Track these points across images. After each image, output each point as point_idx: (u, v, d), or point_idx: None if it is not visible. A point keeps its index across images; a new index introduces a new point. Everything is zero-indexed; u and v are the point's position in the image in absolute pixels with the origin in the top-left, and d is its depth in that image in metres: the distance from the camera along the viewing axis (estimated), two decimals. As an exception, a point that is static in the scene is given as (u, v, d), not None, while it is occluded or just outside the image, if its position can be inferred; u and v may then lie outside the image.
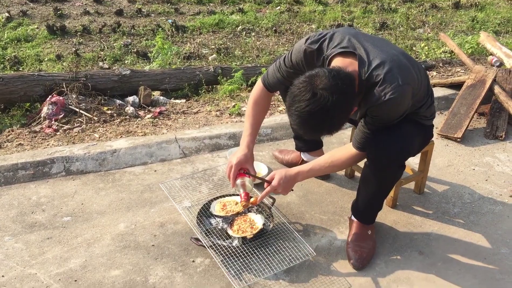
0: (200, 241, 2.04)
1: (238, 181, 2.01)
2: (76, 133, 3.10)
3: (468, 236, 2.27)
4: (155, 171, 2.66)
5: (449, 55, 4.68)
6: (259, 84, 2.17)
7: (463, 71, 4.22)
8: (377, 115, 1.84)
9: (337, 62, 1.79)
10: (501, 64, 4.17)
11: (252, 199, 2.02)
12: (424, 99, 1.99)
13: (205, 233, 2.09)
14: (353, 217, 2.19)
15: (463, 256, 2.15)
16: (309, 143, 2.57)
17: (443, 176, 2.74)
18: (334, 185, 2.60)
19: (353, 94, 1.67)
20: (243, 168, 2.03)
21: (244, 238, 2.04)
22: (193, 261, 2.05)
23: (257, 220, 2.12)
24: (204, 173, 2.63)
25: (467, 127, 3.12)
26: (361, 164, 2.12)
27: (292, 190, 2.01)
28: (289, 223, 2.26)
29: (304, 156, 2.63)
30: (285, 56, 2.05)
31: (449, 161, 2.90)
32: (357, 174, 2.67)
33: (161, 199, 2.43)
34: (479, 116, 3.44)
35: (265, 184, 1.99)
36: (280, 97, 3.49)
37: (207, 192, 2.46)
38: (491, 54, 4.45)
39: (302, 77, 1.66)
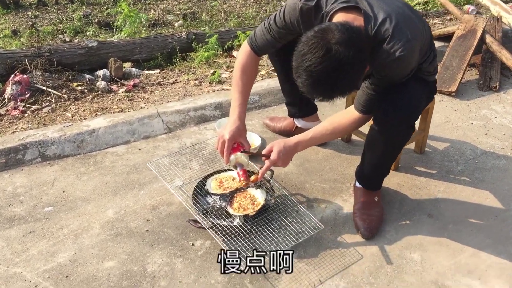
0: (199, 223, 1.91)
1: (233, 157, 1.87)
2: (46, 114, 2.88)
3: (475, 194, 2.21)
4: (140, 149, 2.49)
5: (423, 6, 4.55)
6: (245, 49, 2.00)
7: (440, 22, 4.11)
8: (385, 75, 1.70)
9: (339, 18, 1.62)
10: (478, 12, 4.08)
11: (252, 177, 1.89)
12: (427, 53, 1.86)
13: (203, 214, 1.95)
14: (358, 184, 2.09)
15: (473, 216, 2.08)
16: (303, 108, 2.44)
17: (442, 133, 2.66)
18: (331, 151, 2.49)
19: (367, 50, 1.53)
20: (236, 142, 1.89)
21: (245, 216, 1.92)
22: (192, 245, 1.92)
23: (258, 196, 2.00)
24: (193, 148, 2.47)
25: (460, 80, 3.03)
26: (362, 128, 2.00)
27: (291, 160, 1.90)
28: (291, 195, 2.14)
29: (298, 122, 2.49)
30: (275, 16, 1.88)
31: (446, 117, 2.81)
32: (354, 138, 2.57)
33: (150, 179, 2.27)
34: (470, 67, 3.36)
35: (263, 158, 1.86)
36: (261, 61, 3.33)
37: (198, 168, 2.31)
38: (466, 4, 4.35)
39: (310, 33, 1.50)
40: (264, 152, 1.86)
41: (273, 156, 1.80)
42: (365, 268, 1.84)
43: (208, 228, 1.87)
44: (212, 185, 2.06)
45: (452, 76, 3.04)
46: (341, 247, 1.92)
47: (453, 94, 2.99)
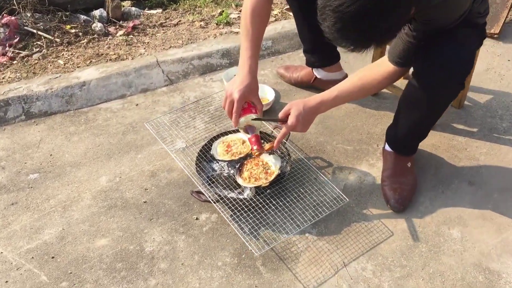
0: (203, 195, 1.66)
1: (243, 120, 1.58)
2: (36, 61, 2.58)
3: (524, 158, 1.92)
4: (137, 105, 2.21)
5: None
6: None
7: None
8: (431, 18, 1.37)
9: None
10: None
11: (266, 145, 1.62)
12: (478, -11, 1.51)
13: (208, 184, 1.70)
14: (388, 147, 1.81)
15: (522, 184, 1.81)
16: (324, 57, 2.11)
17: (483, 83, 2.33)
18: (355, 106, 2.19)
19: None
20: (247, 102, 1.60)
21: (257, 187, 1.66)
22: (196, 219, 1.69)
23: (272, 163, 1.73)
24: (197, 104, 2.18)
25: (505, 20, 2.64)
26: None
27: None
28: (309, 160, 1.87)
29: (317, 72, 2.18)
30: None
31: (488, 63, 2.46)
32: (382, 91, 2.25)
33: (149, 140, 2.01)
34: (514, 4, 2.94)
35: (280, 123, 1.58)
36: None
37: (203, 127, 2.04)
38: None
39: None
40: (280, 115, 1.57)
41: (291, 120, 1.51)
42: (396, 248, 1.60)
43: (214, 202, 1.62)
44: (218, 150, 1.79)
45: (495, 15, 2.65)
46: (368, 222, 1.68)
47: (495, 36, 2.62)
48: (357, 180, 1.83)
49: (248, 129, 1.60)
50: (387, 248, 1.60)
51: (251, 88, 1.57)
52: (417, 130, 1.69)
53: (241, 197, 1.66)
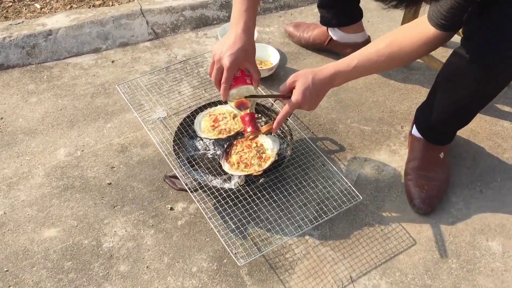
0: (179, 180, 1.33)
1: (234, 92, 1.23)
2: (10, 3, 2.23)
3: None
4: (113, 62, 1.85)
5: None
6: None
7: None
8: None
9: None
10: None
11: (264, 127, 1.27)
12: None
13: (186, 167, 1.36)
14: (416, 132, 1.45)
15: None
16: (343, 12, 1.72)
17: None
18: (376, 76, 1.82)
19: None
20: (240, 69, 1.24)
21: (248, 176, 1.33)
22: (171, 209, 1.37)
23: (268, 145, 1.38)
24: (186, 64, 1.82)
25: None
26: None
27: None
28: (315, 142, 1.53)
29: (333, 33, 1.79)
30: None
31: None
32: (412, 58, 1.87)
33: (122, 107, 1.67)
34: None
35: (282, 99, 1.24)
36: None
37: (190, 93, 1.68)
38: None
39: None
40: (282, 88, 1.22)
41: (296, 96, 1.17)
42: (419, 261, 1.27)
43: (191, 191, 1.29)
44: (202, 125, 1.45)
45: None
46: (384, 226, 1.34)
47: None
48: (374, 171, 1.49)
49: (240, 104, 1.25)
50: (408, 261, 1.27)
51: (246, 52, 1.21)
52: (458, 115, 1.32)
53: (226, 186, 1.33)
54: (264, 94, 1.28)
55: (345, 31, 1.75)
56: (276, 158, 1.33)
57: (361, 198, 1.31)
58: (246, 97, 1.22)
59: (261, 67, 1.73)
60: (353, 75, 1.22)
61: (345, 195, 1.33)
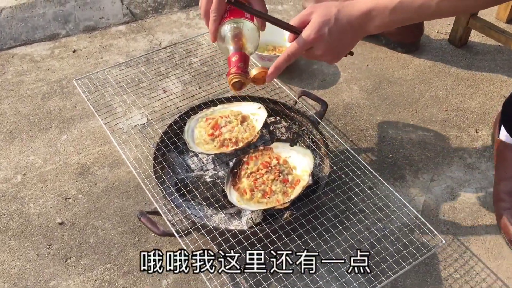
0: (163, 219, 0.89)
1: (226, 28, 0.82)
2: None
3: None
4: (75, 51, 1.43)
5: None
6: None
7: None
8: None
9: None
10: None
11: (254, 71, 0.81)
12: None
13: (174, 197, 0.94)
14: (508, 138, 1.03)
15: None
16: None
17: None
18: (431, 63, 1.40)
19: None
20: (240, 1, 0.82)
21: (267, 210, 0.90)
22: (148, 270, 0.94)
23: (296, 161, 0.95)
24: (173, 52, 1.39)
25: None
26: None
27: (351, 54, 0.84)
28: (358, 154, 1.10)
29: None
30: None
31: None
32: (475, 40, 1.46)
33: (86, 110, 1.25)
34: None
35: (289, 37, 0.83)
36: None
37: (179, 90, 1.26)
38: None
39: None
40: (293, 22, 0.82)
41: (309, 31, 0.78)
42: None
43: (180, 235, 0.86)
44: (197, 133, 1.02)
45: None
46: (476, 281, 0.92)
47: None
48: (447, 195, 1.06)
49: (233, 42, 0.82)
50: None
51: None
52: None
53: (234, 226, 0.90)
54: (260, 12, 0.83)
55: None
56: (310, 182, 0.90)
57: (444, 242, 0.88)
58: (229, 2, 0.79)
59: (275, 53, 1.32)
60: (398, 17, 0.78)
61: (412, 232, 0.91)
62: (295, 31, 0.81)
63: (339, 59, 0.85)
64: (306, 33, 0.78)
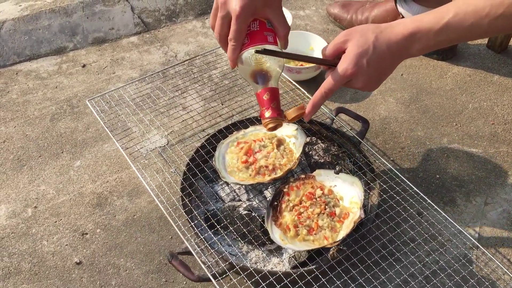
0: (197, 260, 0.80)
1: (247, 56, 0.75)
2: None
3: None
4: (84, 66, 1.33)
5: None
6: None
7: None
8: None
9: None
10: None
11: (291, 111, 0.75)
12: None
13: (204, 231, 0.84)
14: None
15: None
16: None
17: None
18: (471, 71, 1.30)
19: None
20: (257, 20, 0.76)
21: (314, 252, 0.80)
22: (182, 307, 0.84)
23: (343, 189, 0.86)
24: (191, 65, 1.30)
25: None
26: None
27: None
28: (402, 174, 1.01)
29: (407, 8, 1.28)
30: None
31: None
32: (517, 44, 1.37)
33: (99, 132, 1.15)
34: None
35: (324, 67, 0.78)
36: None
37: (201, 106, 1.17)
38: None
39: None
40: (326, 52, 0.75)
41: (346, 64, 0.73)
42: None
43: (215, 277, 0.76)
44: (228, 159, 0.93)
45: None
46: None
47: None
48: (505, 220, 0.97)
49: (258, 74, 0.74)
50: None
51: None
52: None
53: (273, 265, 0.80)
54: (292, 53, 0.77)
55: (426, 4, 1.23)
56: (362, 216, 0.80)
57: (479, 245, 0.79)
58: (257, 51, 0.71)
59: (301, 65, 1.23)
60: (445, 38, 0.71)
61: (471, 263, 0.81)
62: (331, 64, 0.75)
63: (379, 85, 0.77)
64: (343, 67, 0.72)
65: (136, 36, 1.42)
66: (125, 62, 1.33)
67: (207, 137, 1.00)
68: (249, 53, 0.75)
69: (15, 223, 0.97)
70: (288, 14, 1.36)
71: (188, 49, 1.38)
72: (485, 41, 1.37)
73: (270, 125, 0.75)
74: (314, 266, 0.79)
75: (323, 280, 0.77)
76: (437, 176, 1.05)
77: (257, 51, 0.72)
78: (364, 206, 0.87)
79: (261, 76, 0.76)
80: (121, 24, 1.41)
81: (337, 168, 0.93)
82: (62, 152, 1.10)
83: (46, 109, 1.20)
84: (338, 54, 0.75)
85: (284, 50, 0.78)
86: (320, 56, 0.80)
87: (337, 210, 0.83)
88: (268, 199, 0.89)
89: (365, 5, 1.39)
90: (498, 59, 1.33)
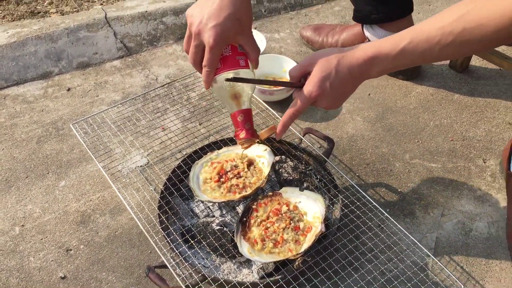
0: (172, 272, 0.87)
1: (221, 78, 0.83)
2: None
3: None
4: (69, 90, 1.41)
5: None
6: None
7: None
8: None
9: None
10: None
11: (264, 132, 0.89)
12: None
13: (178, 246, 0.92)
14: (520, 171, 1.03)
15: None
16: (388, 2, 1.31)
17: None
18: (433, 90, 1.40)
19: None
20: (230, 45, 0.84)
21: (280, 263, 0.88)
22: (160, 316, 0.92)
23: (306, 206, 0.94)
24: (171, 87, 1.38)
25: None
26: None
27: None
28: (365, 191, 1.09)
29: (373, 33, 1.37)
30: None
31: None
32: (475, 64, 1.46)
33: (83, 154, 1.23)
34: None
35: (291, 90, 0.90)
36: None
37: (179, 128, 1.25)
38: None
39: None
40: (292, 74, 0.84)
41: (311, 87, 0.80)
42: None
43: (190, 290, 0.84)
44: (201, 179, 1.01)
45: None
46: (494, 322, 0.91)
47: None
48: (459, 231, 1.06)
49: (231, 97, 0.85)
50: None
51: (239, 21, 0.81)
52: None
53: (243, 276, 0.88)
54: (261, 79, 0.87)
55: (389, 29, 1.33)
56: (323, 230, 0.88)
57: (462, 286, 0.87)
58: (228, 79, 0.80)
59: (275, 88, 1.31)
60: (401, 62, 0.79)
61: (423, 271, 0.89)
62: (297, 86, 0.83)
63: (342, 104, 0.87)
64: (308, 89, 0.80)
65: (118, 60, 1.50)
66: (108, 86, 1.42)
67: (183, 157, 1.08)
68: (222, 78, 0.84)
69: (4, 241, 1.04)
70: (262, 37, 1.45)
71: (169, 72, 1.47)
72: (447, 61, 1.47)
73: (245, 145, 0.87)
74: (279, 276, 0.87)
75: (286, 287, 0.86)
76: (399, 190, 1.14)
77: (227, 79, 0.81)
78: (327, 220, 0.95)
79: (234, 98, 0.85)
80: (105, 49, 1.49)
81: (304, 185, 1.02)
82: (48, 173, 1.18)
83: (32, 132, 1.28)
84: (304, 75, 0.83)
85: (254, 72, 0.87)
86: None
87: (301, 225, 0.91)
88: (239, 214, 0.97)
89: (335, 29, 1.49)
90: (459, 79, 1.43)
